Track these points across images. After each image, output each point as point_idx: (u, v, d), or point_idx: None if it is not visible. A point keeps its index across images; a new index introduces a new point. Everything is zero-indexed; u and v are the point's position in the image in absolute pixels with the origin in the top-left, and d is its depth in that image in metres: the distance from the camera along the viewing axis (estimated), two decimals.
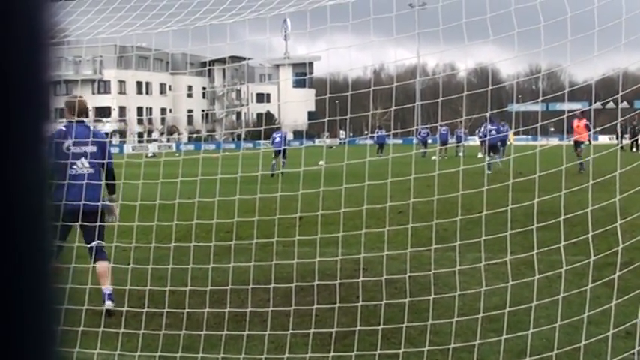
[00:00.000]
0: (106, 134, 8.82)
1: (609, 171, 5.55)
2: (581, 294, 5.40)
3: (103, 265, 7.49)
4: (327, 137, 44.60)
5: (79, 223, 7.24)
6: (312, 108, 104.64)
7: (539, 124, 6.97)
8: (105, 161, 7.73)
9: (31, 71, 0.84)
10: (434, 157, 34.05)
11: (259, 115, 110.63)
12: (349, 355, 5.85)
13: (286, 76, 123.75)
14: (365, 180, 6.33)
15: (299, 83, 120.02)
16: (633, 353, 4.95)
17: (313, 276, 6.50)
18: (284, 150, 25.26)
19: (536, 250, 5.61)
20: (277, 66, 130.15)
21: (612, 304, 5.00)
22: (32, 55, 0.83)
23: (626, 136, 45.82)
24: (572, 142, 23.08)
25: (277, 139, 30.54)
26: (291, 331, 6.30)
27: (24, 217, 0.83)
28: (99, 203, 7.57)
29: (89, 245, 7.48)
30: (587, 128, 20.82)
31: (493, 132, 32.02)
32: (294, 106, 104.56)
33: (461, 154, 34.05)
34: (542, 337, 6.03)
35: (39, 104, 0.84)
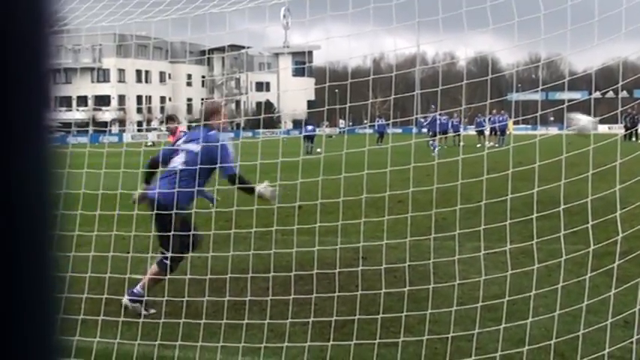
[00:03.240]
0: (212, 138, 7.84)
1: (609, 161, 5.55)
2: (580, 283, 5.41)
3: (153, 267, 7.40)
4: (326, 126, 44.57)
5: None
6: (312, 97, 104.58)
7: (539, 113, 6.96)
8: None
9: (32, 60, 0.83)
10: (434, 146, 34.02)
11: (259, 103, 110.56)
12: (348, 343, 5.86)
13: (286, 64, 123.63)
14: (364, 169, 6.33)
15: (299, 72, 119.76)
16: (632, 342, 4.96)
17: (312, 265, 6.50)
18: (313, 136, 29.54)
19: (535, 240, 5.61)
20: (277, 55, 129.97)
21: (611, 293, 5.01)
22: (33, 44, 0.83)
23: (622, 124, 45.79)
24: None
25: (310, 127, 36.40)
26: (290, 319, 6.31)
27: (25, 206, 0.83)
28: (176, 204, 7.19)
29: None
30: None
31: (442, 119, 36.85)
32: (293, 95, 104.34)
33: (461, 143, 34.05)
34: (541, 326, 6.04)
35: (40, 93, 0.84)
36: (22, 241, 0.83)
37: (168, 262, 7.14)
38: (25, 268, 0.83)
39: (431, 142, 35.60)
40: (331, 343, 5.95)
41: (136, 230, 7.35)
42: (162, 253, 7.23)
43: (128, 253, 7.27)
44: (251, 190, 7.22)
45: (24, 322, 0.83)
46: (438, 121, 38.44)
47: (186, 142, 7.60)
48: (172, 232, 7.00)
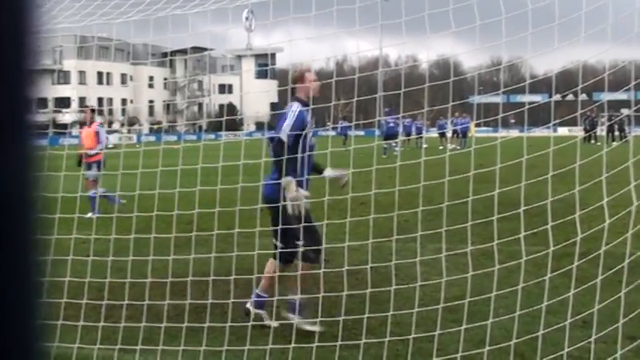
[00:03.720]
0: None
1: (568, 163, 5.62)
2: (540, 284, 5.47)
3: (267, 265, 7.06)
4: None
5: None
6: (275, 99, 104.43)
7: (500, 115, 7.03)
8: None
9: (13, 60, 0.82)
10: (396, 148, 34.17)
11: (221, 106, 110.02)
12: (310, 346, 5.86)
13: (249, 67, 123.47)
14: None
15: (261, 74, 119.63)
16: (590, 342, 5.02)
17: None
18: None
19: (496, 241, 5.66)
20: (240, 57, 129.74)
21: (570, 294, 5.07)
22: (14, 43, 0.82)
23: (581, 127, 46.47)
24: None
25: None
26: (251, 322, 6.29)
27: (6, 207, 0.81)
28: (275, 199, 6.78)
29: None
30: None
31: (391, 123, 37.38)
32: (256, 97, 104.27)
33: (424, 145, 34.30)
34: (501, 327, 6.09)
35: (21, 94, 0.83)
36: (4, 245, 0.82)
37: (280, 254, 6.84)
38: (6, 271, 0.82)
39: (385, 145, 36.36)
40: (293, 345, 5.95)
41: (96, 233, 7.30)
42: (276, 248, 6.94)
43: (88, 256, 7.21)
44: (317, 171, 7.02)
45: (7, 326, 0.82)
46: (388, 125, 38.99)
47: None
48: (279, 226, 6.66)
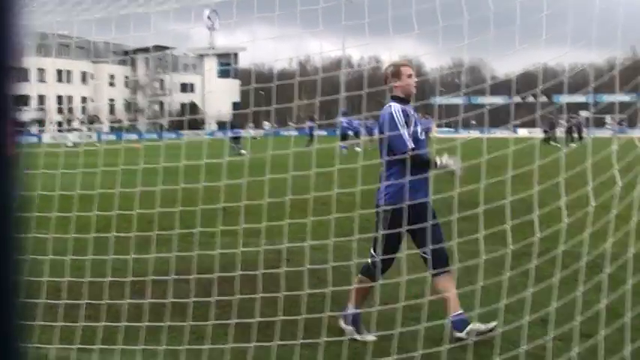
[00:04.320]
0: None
1: (527, 163, 5.69)
2: (499, 283, 5.53)
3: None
4: (251, 128, 44.53)
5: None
6: (237, 99, 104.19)
7: (461, 116, 7.09)
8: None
9: None
10: (357, 149, 34.25)
11: (183, 105, 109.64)
12: (270, 345, 5.87)
13: (211, 66, 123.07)
14: (289, 171, 6.35)
15: (224, 74, 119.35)
16: (547, 340, 5.09)
17: (235, 267, 6.49)
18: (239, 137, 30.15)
19: (456, 240, 5.71)
20: (202, 56, 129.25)
21: (528, 293, 5.13)
22: None
23: (540, 128, 47.05)
24: None
25: (236, 129, 37.07)
26: (212, 321, 6.29)
27: None
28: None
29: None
30: None
31: (344, 123, 38.77)
32: (218, 97, 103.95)
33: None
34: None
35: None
36: None
37: (375, 265, 6.54)
38: None
39: (342, 145, 36.74)
40: (253, 344, 5.95)
41: (56, 232, 7.24)
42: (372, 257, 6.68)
43: (46, 255, 7.14)
44: (429, 165, 6.56)
45: None
46: (342, 125, 39.35)
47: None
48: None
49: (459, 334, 6.34)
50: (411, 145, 6.46)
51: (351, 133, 45.92)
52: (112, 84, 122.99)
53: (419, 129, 6.71)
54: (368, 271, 6.65)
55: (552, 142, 47.76)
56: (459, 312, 6.42)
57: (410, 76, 6.82)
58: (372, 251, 6.65)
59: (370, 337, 6.47)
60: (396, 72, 6.82)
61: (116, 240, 7.07)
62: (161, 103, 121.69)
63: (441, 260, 6.37)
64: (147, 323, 6.37)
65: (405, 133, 6.48)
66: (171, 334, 6.41)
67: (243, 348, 6.02)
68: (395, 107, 6.62)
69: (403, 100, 6.76)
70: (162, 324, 6.40)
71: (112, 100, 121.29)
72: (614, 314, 4.67)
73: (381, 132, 6.61)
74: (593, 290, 4.90)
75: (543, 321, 5.66)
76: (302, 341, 5.86)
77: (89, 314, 6.74)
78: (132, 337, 6.37)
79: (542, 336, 5.39)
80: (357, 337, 6.67)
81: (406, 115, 6.60)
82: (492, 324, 6.11)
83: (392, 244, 6.43)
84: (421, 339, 5.50)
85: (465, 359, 5.64)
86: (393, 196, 6.43)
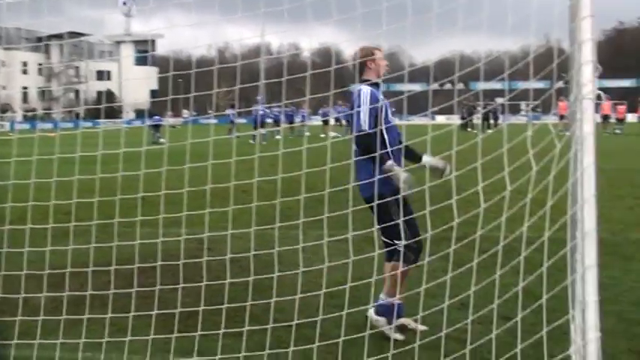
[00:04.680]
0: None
1: (445, 150, 5.76)
2: (419, 268, 5.60)
3: (385, 268, 6.69)
4: (170, 116, 44.08)
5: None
6: (155, 86, 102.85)
7: (380, 103, 7.13)
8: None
9: None
10: (277, 137, 34.27)
11: (99, 93, 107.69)
12: (192, 335, 5.84)
13: (128, 53, 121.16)
14: (209, 159, 6.30)
15: (141, 61, 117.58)
16: (467, 323, 5.19)
17: (156, 257, 6.42)
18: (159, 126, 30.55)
19: (376, 227, 5.76)
20: (118, 43, 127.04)
21: (448, 277, 5.21)
22: None
23: (458, 115, 47.87)
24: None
25: (156, 117, 36.28)
26: (132, 313, 6.21)
27: None
28: (368, 192, 6.49)
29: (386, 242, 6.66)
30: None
31: (261, 111, 38.14)
32: (135, 84, 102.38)
33: (306, 133, 34.65)
34: None
35: None
36: None
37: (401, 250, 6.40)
38: None
39: (260, 132, 36.98)
40: (175, 335, 5.91)
41: None
42: (387, 246, 6.62)
43: None
44: (414, 158, 6.66)
45: None
46: (260, 113, 39.45)
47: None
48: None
49: (373, 316, 6.55)
50: (365, 126, 6.50)
51: (270, 120, 45.92)
52: (24, 71, 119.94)
53: (389, 112, 6.79)
54: (397, 256, 6.53)
55: (469, 129, 48.63)
56: (383, 298, 6.53)
57: (381, 59, 6.93)
58: (388, 240, 6.61)
59: (398, 336, 6.43)
60: (370, 55, 6.92)
61: (32, 232, 6.90)
62: (77, 91, 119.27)
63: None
64: (65, 316, 6.26)
65: (363, 113, 6.53)
66: (91, 326, 6.31)
67: (166, 339, 5.97)
68: (364, 89, 6.70)
69: (375, 85, 6.84)
70: (81, 317, 6.29)
71: (25, 88, 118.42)
72: (531, 296, 4.78)
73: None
74: (510, 273, 5.00)
75: (463, 304, 5.76)
76: (225, 330, 5.84)
77: (4, 309, 6.57)
78: (50, 331, 6.25)
79: (461, 319, 5.49)
80: (386, 329, 6.57)
81: (375, 99, 6.66)
82: (400, 337, 6.34)
83: (409, 222, 6.45)
84: (343, 326, 5.54)
85: (387, 346, 5.70)
86: (385, 183, 6.44)
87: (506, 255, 4.95)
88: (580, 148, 3.86)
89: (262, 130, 37.97)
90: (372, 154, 6.42)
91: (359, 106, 6.58)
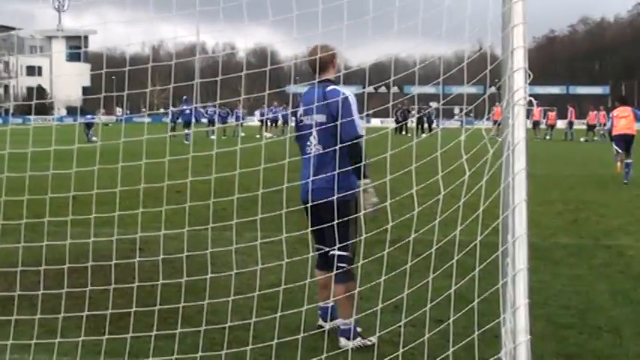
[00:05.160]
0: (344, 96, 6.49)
1: (380, 153, 5.79)
2: (353, 270, 5.62)
3: (339, 290, 6.29)
4: (102, 114, 43.51)
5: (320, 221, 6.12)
6: (88, 83, 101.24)
7: (315, 104, 7.14)
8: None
9: None
10: (212, 137, 34.11)
11: (30, 88, 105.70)
12: (124, 337, 5.75)
13: (59, 49, 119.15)
14: (142, 158, 6.22)
15: (73, 57, 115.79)
16: (400, 326, 5.22)
17: (87, 257, 6.31)
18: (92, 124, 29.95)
19: (310, 229, 5.76)
20: (50, 38, 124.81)
21: (382, 279, 5.24)
22: None
23: (392, 118, 48.34)
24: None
25: (89, 115, 35.21)
26: (63, 314, 6.10)
27: None
28: (333, 196, 6.04)
29: (326, 251, 6.39)
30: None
31: (187, 111, 38.83)
32: (67, 81, 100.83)
33: (241, 134, 34.59)
34: (316, 314, 6.22)
35: None
36: None
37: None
38: None
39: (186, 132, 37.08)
40: (106, 337, 5.82)
41: None
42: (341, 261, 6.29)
43: None
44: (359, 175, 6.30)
45: None
46: (183, 113, 39.46)
47: (307, 112, 6.62)
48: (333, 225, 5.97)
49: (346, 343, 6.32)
50: (362, 132, 6.37)
51: (204, 120, 45.77)
52: None
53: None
54: (351, 276, 6.38)
55: (404, 132, 49.07)
56: (347, 323, 6.33)
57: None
58: (344, 252, 6.33)
59: (372, 339, 6.20)
60: (333, 55, 6.80)
61: None
62: (6, 87, 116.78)
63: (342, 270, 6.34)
64: None
65: (357, 118, 6.40)
66: (19, 328, 6.18)
67: (97, 341, 5.88)
68: (351, 94, 6.55)
69: (336, 84, 6.74)
70: (9, 318, 6.16)
71: None
72: (464, 300, 4.83)
73: (334, 116, 6.41)
74: (442, 276, 5.04)
75: (396, 307, 5.80)
76: (157, 332, 5.78)
77: None
78: None
79: (395, 322, 5.52)
80: (356, 342, 6.33)
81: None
82: (373, 339, 6.19)
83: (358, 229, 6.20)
84: (277, 327, 5.53)
85: (321, 347, 5.71)
86: (349, 188, 6.28)
87: (439, 258, 5.01)
88: (512, 154, 3.91)
89: (188, 131, 38.12)
90: (359, 164, 6.25)
91: (347, 111, 6.38)
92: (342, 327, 6.38)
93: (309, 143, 6.63)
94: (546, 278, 9.40)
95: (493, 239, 4.26)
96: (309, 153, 6.60)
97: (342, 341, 6.33)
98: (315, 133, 6.57)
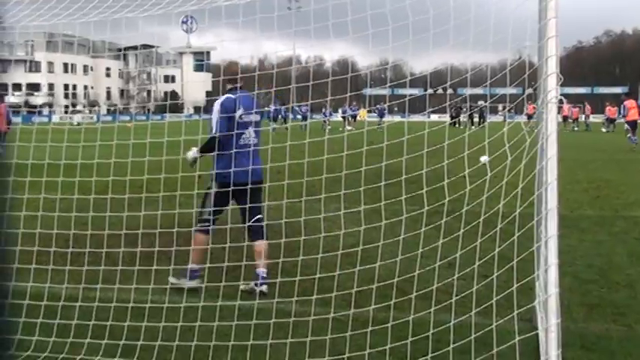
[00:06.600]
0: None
1: (438, 142, 5.71)
2: (416, 235, 5.57)
3: (260, 245, 6.80)
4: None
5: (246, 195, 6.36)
6: (210, 88, 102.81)
7: (387, 104, 7.09)
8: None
9: None
10: (273, 128, 34.12)
11: (166, 93, 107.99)
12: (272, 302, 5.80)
13: (188, 62, 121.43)
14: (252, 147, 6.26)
15: (199, 68, 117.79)
16: (453, 279, 5.17)
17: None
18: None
19: (383, 202, 5.73)
20: (181, 54, 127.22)
21: (439, 243, 5.19)
22: None
23: (448, 114, 47.62)
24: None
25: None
26: (191, 265, 6.18)
27: None
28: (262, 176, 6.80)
29: (250, 223, 6.73)
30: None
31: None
32: (194, 87, 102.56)
33: (328, 127, 34.66)
34: (386, 269, 6.19)
35: None
36: None
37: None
38: None
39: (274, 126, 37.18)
40: (227, 283, 5.90)
41: (63, 194, 7.10)
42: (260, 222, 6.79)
43: (55, 212, 6.99)
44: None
45: None
46: (276, 111, 39.40)
47: (248, 113, 6.94)
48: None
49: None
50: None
51: (299, 117, 45.82)
52: (108, 75, 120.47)
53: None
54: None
55: (457, 125, 48.34)
56: (265, 271, 6.72)
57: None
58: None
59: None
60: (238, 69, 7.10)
61: (113, 201, 6.90)
62: (148, 92, 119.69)
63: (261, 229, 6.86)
64: (138, 267, 6.29)
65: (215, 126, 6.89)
66: (158, 275, 6.32)
67: (216, 287, 5.97)
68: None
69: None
70: (150, 267, 6.31)
71: (108, 88, 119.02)
72: (505, 259, 4.73)
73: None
74: (488, 240, 4.95)
75: (450, 265, 5.73)
76: (262, 282, 5.82)
77: (92, 260, 6.61)
78: (126, 278, 6.29)
79: (449, 276, 5.47)
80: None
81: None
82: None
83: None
84: (355, 279, 5.51)
85: (390, 295, 5.67)
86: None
87: (485, 226, 4.92)
88: (545, 142, 3.82)
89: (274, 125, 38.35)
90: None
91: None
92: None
93: (245, 136, 6.91)
94: (573, 243, 9.14)
95: (529, 211, 4.16)
96: (246, 143, 6.90)
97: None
98: (251, 128, 6.97)
